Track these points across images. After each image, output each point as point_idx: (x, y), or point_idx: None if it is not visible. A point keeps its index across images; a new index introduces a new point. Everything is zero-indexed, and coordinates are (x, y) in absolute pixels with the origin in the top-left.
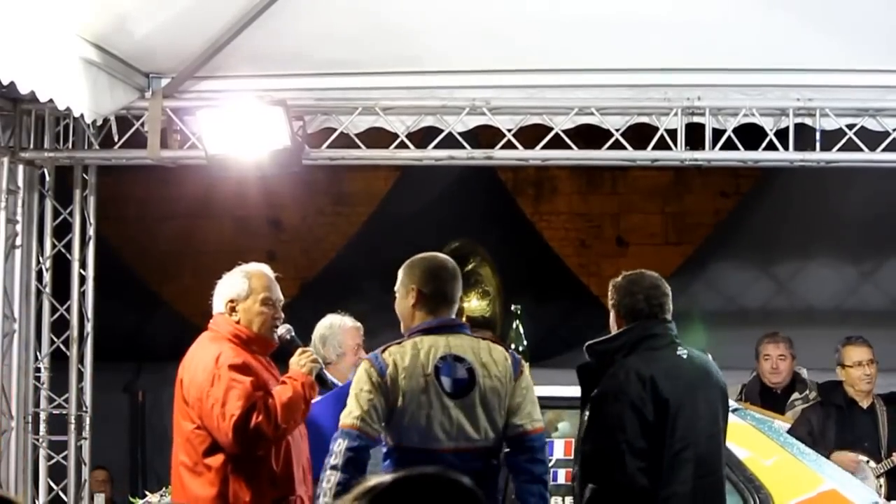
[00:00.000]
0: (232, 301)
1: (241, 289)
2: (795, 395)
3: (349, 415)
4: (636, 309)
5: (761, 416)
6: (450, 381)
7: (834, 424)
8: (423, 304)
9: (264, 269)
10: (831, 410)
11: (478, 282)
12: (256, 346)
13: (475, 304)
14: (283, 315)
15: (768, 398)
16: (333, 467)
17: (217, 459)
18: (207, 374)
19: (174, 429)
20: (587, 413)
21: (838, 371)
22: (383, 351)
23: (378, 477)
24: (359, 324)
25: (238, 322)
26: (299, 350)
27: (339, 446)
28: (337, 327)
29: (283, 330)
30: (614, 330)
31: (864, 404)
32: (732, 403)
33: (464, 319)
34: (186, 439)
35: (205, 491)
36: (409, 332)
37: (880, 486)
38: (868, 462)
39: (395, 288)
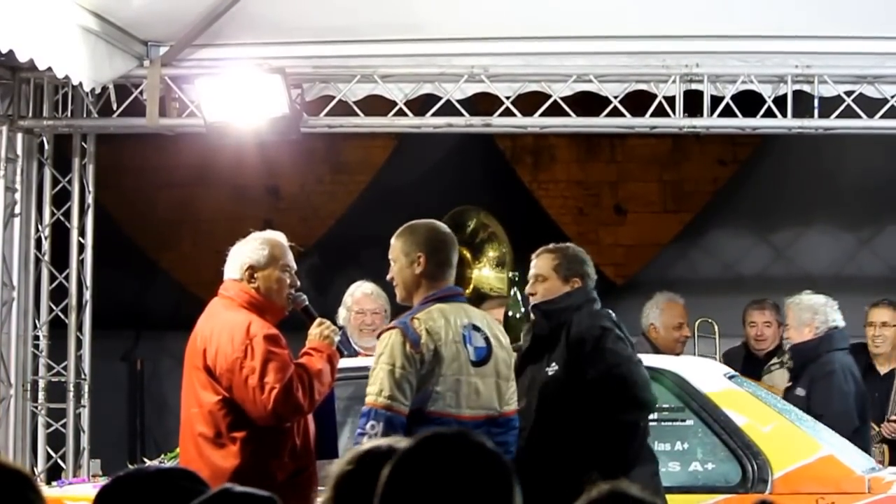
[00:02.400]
0: (251, 268)
1: (261, 256)
2: (773, 360)
3: (380, 393)
4: (592, 276)
5: None
6: (472, 350)
7: None
8: (430, 272)
9: (281, 237)
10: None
11: (492, 249)
12: (270, 315)
13: (487, 274)
14: (298, 283)
15: (750, 364)
16: None
17: (242, 432)
18: (239, 344)
19: (188, 399)
20: (553, 367)
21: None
22: (412, 320)
23: (378, 442)
24: (370, 290)
25: (257, 289)
26: (317, 321)
27: (373, 429)
28: (348, 294)
29: (300, 299)
30: (553, 291)
31: (883, 370)
32: (728, 370)
33: (470, 288)
34: (209, 411)
35: (227, 463)
36: (426, 299)
37: (881, 452)
38: (871, 428)
39: (392, 256)
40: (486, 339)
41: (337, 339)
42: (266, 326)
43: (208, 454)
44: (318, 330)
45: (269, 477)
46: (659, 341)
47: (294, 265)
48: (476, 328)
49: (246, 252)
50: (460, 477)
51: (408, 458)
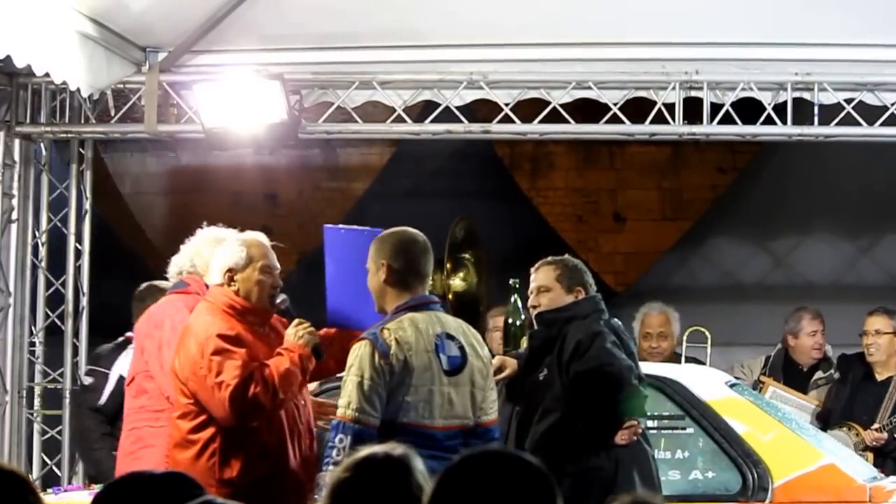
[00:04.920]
0: (230, 271)
1: (239, 258)
2: (819, 374)
3: (349, 405)
4: (593, 286)
5: (789, 394)
6: (446, 359)
7: (844, 397)
8: (395, 280)
9: (260, 237)
10: (848, 383)
11: (465, 267)
12: (253, 317)
13: (458, 283)
14: (280, 283)
15: (793, 374)
16: (337, 464)
17: (205, 433)
18: (198, 345)
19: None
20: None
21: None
22: (382, 330)
23: (375, 449)
24: None
25: (237, 292)
26: (295, 321)
27: (341, 442)
28: None
29: (279, 300)
30: (557, 302)
31: (881, 376)
32: (729, 378)
33: (451, 296)
34: (180, 413)
35: (191, 465)
36: (398, 308)
37: (866, 459)
38: (857, 435)
39: (367, 265)
40: (461, 348)
41: (313, 339)
42: (228, 327)
43: (177, 456)
44: (293, 331)
45: (234, 479)
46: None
47: (276, 265)
48: (450, 337)
49: (225, 255)
50: (507, 494)
51: (452, 477)
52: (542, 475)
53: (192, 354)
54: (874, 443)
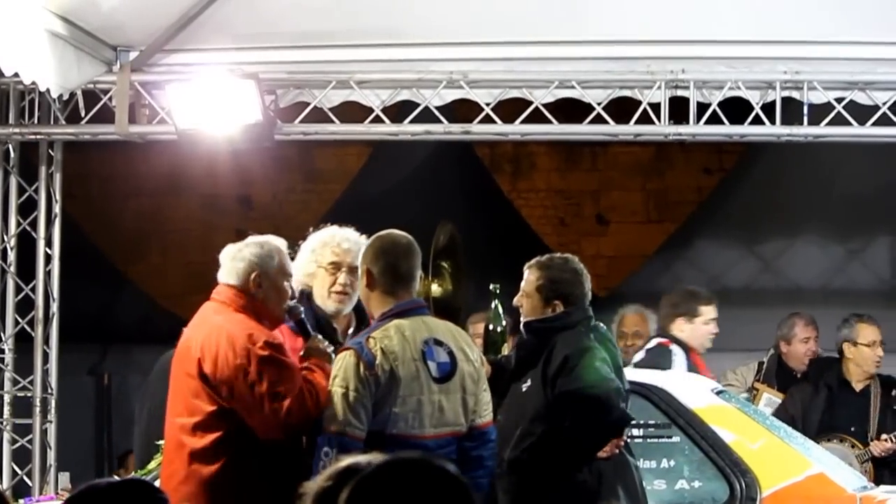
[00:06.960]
0: (260, 276)
1: (270, 264)
2: None
3: (334, 418)
4: (579, 295)
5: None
6: (435, 366)
7: (821, 405)
8: (377, 285)
9: (284, 245)
10: (821, 390)
11: (441, 276)
12: (268, 322)
13: (435, 288)
14: (295, 295)
15: (786, 381)
16: None
17: (235, 444)
18: (241, 350)
19: (175, 408)
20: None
21: (845, 348)
22: (367, 339)
23: (357, 458)
24: None
25: (255, 295)
26: (319, 338)
27: (327, 456)
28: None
29: (297, 311)
30: (534, 311)
31: (859, 386)
32: (717, 386)
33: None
34: (201, 421)
35: (217, 478)
36: (383, 315)
37: (865, 471)
38: (853, 447)
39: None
40: (450, 353)
41: (330, 356)
42: (269, 334)
43: (197, 467)
44: (315, 345)
45: (261, 490)
46: None
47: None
48: (438, 342)
49: (253, 258)
50: (420, 501)
51: (367, 482)
52: (459, 484)
53: (231, 359)
54: (883, 454)
